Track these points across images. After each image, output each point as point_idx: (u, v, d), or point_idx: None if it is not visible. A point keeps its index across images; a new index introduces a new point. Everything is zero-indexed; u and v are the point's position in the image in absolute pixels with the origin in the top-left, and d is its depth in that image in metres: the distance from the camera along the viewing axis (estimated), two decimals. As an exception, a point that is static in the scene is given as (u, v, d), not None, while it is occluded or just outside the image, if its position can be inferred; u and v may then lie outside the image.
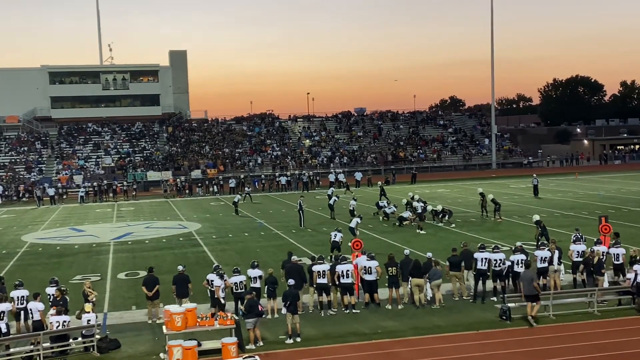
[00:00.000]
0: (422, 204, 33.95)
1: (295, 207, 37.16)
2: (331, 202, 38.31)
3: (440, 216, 34.36)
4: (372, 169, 70.73)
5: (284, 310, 16.56)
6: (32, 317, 16.36)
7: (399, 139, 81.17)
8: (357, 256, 20.12)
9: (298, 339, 16.19)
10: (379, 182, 49.53)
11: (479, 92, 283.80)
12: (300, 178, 59.87)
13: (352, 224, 29.29)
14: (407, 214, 34.45)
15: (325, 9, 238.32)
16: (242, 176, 61.42)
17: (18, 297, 17.30)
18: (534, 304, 17.02)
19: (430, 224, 33.33)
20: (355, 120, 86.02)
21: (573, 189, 50.25)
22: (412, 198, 36.50)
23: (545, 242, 22.05)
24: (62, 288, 17.86)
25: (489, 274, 19.27)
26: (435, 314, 18.08)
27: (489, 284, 19.46)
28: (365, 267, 18.96)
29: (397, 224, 34.12)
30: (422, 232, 31.44)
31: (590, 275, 19.08)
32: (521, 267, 19.13)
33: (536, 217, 26.51)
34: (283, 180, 59.67)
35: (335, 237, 25.14)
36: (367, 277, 19.00)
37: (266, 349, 15.70)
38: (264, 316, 16.82)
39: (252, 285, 18.36)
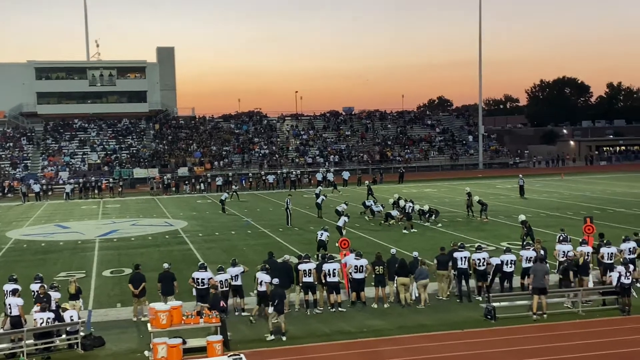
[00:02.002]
0: (411, 204, 34.03)
1: (283, 205, 37.11)
2: (319, 200, 38.31)
3: (427, 216, 34.45)
4: (360, 168, 70.81)
5: (270, 309, 16.51)
6: (11, 313, 16.17)
7: (386, 139, 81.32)
8: (345, 255, 20.10)
9: (284, 338, 16.16)
10: (366, 182, 49.59)
11: (467, 93, 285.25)
12: (287, 176, 59.81)
13: (340, 223, 29.32)
14: (395, 213, 34.50)
15: (314, 9, 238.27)
16: (229, 174, 61.33)
17: (6, 291, 17.16)
18: (542, 296, 17.24)
19: (417, 224, 33.36)
20: (343, 119, 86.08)
21: (559, 189, 50.54)
22: (399, 199, 36.63)
23: (531, 242, 22.13)
24: (55, 285, 17.72)
25: (470, 272, 19.35)
26: (421, 313, 18.12)
27: (473, 283, 19.55)
28: (356, 265, 18.96)
29: (382, 221, 34.18)
30: (406, 231, 31.45)
31: (566, 280, 18.87)
32: (510, 267, 19.25)
33: (522, 217, 26.62)
34: (270, 178, 59.66)
35: (321, 235, 25.16)
36: (357, 276, 19.00)
37: (252, 347, 15.66)
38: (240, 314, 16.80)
39: (234, 283, 18.34)
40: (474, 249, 20.01)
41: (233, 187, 52.89)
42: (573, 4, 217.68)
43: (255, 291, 18.22)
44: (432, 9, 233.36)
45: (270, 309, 16.49)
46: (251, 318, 17.78)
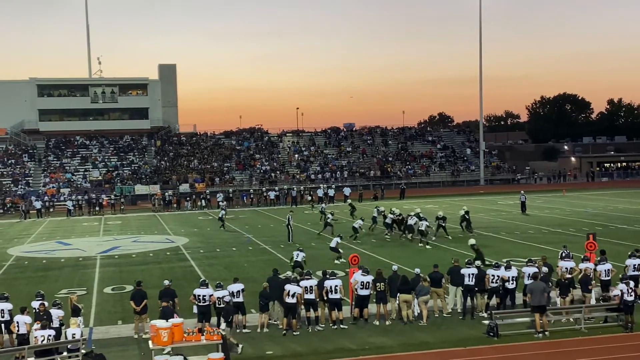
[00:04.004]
0: (425, 222, 33.67)
1: (284, 221, 37.02)
2: (328, 220, 37.18)
3: (436, 226, 34.42)
4: (362, 184, 70.85)
5: (222, 326, 16.52)
6: (19, 331, 16.11)
7: (387, 155, 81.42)
8: (354, 271, 19.95)
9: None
10: (349, 201, 48.85)
11: (468, 109, 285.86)
12: (289, 193, 59.79)
13: (332, 244, 28.98)
14: (391, 217, 35.08)
15: (315, 26, 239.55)
16: (230, 190, 61.33)
17: (1, 310, 17.13)
18: (543, 315, 17.20)
19: (415, 240, 33.25)
20: (344, 136, 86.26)
21: (560, 205, 50.49)
22: (392, 212, 36.82)
23: (481, 265, 21.48)
24: (57, 302, 17.65)
25: (477, 289, 19.24)
26: (423, 330, 18.04)
27: (481, 301, 19.46)
28: (362, 282, 18.90)
29: (405, 235, 34.10)
30: (424, 246, 31.65)
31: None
32: (512, 284, 19.16)
33: (472, 242, 26.46)
34: (272, 195, 59.63)
35: (297, 257, 24.75)
36: (363, 292, 18.92)
37: (253, 364, 15.63)
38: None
39: (235, 300, 18.31)
40: (492, 265, 19.89)
41: (220, 203, 52.50)
42: (573, 21, 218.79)
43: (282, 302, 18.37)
44: (433, 26, 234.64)
45: (223, 325, 16.51)
46: (284, 332, 18.01)
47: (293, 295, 18.03)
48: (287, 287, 18.20)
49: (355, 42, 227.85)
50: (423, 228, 32.96)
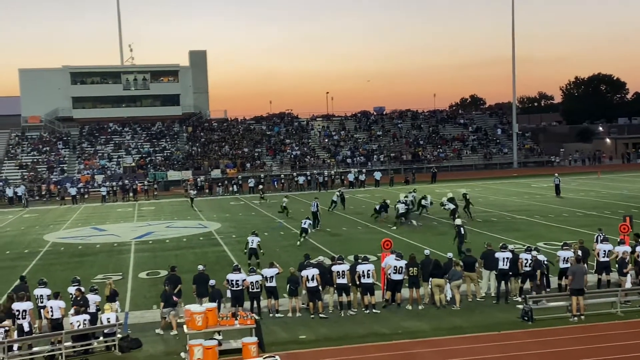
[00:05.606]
0: (452, 205, 33.74)
1: (312, 207, 36.37)
2: (415, 212, 36.63)
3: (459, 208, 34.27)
4: (392, 168, 70.57)
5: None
6: (52, 316, 16.40)
7: (418, 138, 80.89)
8: (386, 255, 19.92)
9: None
10: (340, 189, 47.67)
11: (500, 91, 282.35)
12: (318, 178, 59.76)
13: (305, 224, 29.45)
14: (401, 206, 34.50)
15: (345, 9, 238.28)
16: (262, 176, 61.57)
17: (39, 296, 17.45)
18: (579, 297, 17.08)
19: (448, 224, 33.04)
20: (374, 120, 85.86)
21: (595, 188, 49.72)
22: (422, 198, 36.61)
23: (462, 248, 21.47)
24: (94, 287, 17.91)
25: (511, 273, 19.06)
26: (456, 315, 17.96)
27: (515, 285, 19.31)
28: (396, 266, 18.87)
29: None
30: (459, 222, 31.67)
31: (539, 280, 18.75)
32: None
33: (457, 222, 26.24)
34: (301, 179, 59.66)
35: (252, 243, 24.75)
36: (396, 277, 18.90)
37: (286, 348, 15.70)
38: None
39: (268, 284, 18.41)
40: (524, 249, 19.72)
41: (191, 192, 50.90)
42: (607, 1, 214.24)
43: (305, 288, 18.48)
44: (465, 7, 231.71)
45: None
46: (312, 315, 18.17)
47: (313, 279, 18.13)
48: (304, 273, 18.32)
49: (385, 25, 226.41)
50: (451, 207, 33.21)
